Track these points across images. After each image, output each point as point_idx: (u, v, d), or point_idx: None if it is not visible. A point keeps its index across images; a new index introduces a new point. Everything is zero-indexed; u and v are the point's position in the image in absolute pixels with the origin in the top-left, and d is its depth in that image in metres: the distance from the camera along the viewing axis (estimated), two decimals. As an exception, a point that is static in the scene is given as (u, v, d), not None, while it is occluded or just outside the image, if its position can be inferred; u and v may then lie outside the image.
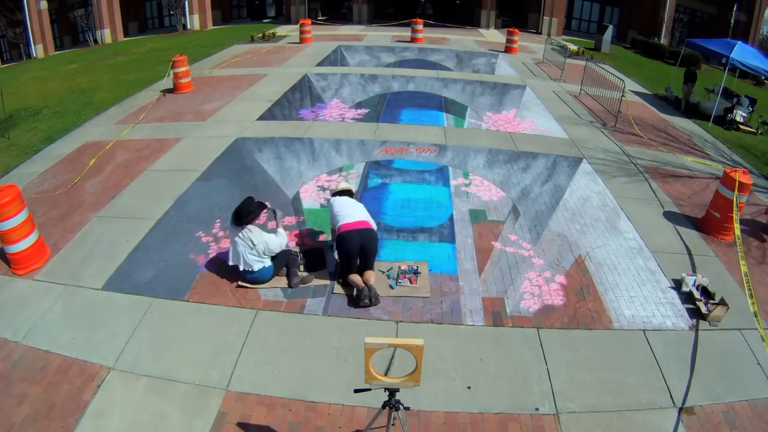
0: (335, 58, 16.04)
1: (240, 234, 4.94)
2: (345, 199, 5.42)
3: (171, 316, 4.81)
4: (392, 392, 3.03)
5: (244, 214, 4.92)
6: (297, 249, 5.83)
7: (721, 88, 11.99)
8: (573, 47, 18.90)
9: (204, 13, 25.32)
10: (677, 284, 5.47)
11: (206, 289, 5.18)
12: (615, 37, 22.43)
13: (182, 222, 6.38)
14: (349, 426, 3.74)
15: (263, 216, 6.18)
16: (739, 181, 6.23)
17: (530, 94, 12.65)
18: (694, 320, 4.99)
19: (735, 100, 12.37)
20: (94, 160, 8.14)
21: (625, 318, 4.98)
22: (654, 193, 7.66)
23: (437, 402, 3.96)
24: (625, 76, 14.39)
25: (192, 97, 11.62)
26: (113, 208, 6.72)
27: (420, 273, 5.43)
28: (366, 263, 5.14)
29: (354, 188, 5.97)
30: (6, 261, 5.50)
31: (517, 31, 18.10)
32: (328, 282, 5.30)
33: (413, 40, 18.94)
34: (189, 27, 24.75)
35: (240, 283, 5.19)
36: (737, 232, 5.96)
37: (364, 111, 10.76)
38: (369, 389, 2.97)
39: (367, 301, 4.90)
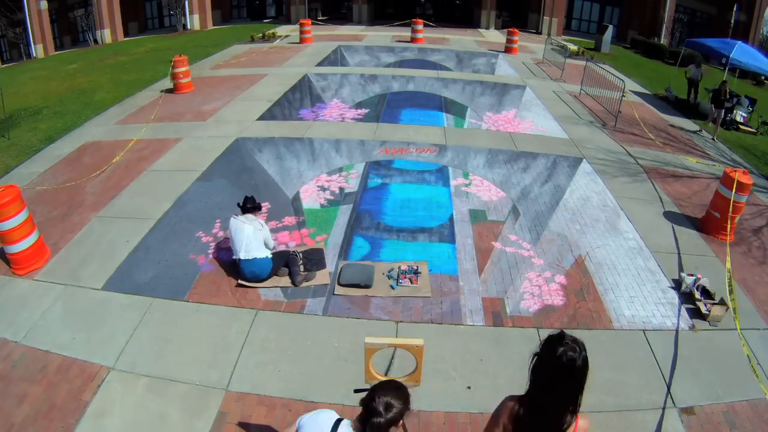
0: (335, 58, 16.04)
1: (247, 216, 5.15)
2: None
3: (171, 316, 4.81)
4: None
5: (252, 203, 5.26)
6: (297, 249, 5.83)
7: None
8: (573, 47, 18.90)
9: (204, 13, 25.33)
10: (677, 284, 5.47)
11: (206, 289, 5.19)
12: (615, 37, 22.43)
13: (182, 222, 6.38)
14: (349, 426, 3.73)
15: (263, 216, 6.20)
16: (739, 181, 6.23)
17: (530, 94, 12.65)
18: (694, 320, 4.99)
19: (735, 100, 12.36)
20: (119, 156, 8.28)
21: (625, 318, 4.98)
22: (654, 193, 7.66)
23: (437, 402, 3.95)
24: (625, 76, 14.38)
25: (192, 97, 11.62)
26: (113, 208, 6.72)
27: (420, 273, 5.43)
28: None
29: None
30: (6, 261, 5.50)
31: (517, 31, 18.11)
32: (328, 282, 5.30)
33: (413, 40, 18.95)
34: (189, 27, 24.77)
35: (240, 282, 5.19)
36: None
37: (364, 111, 10.76)
38: (369, 389, 2.97)
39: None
